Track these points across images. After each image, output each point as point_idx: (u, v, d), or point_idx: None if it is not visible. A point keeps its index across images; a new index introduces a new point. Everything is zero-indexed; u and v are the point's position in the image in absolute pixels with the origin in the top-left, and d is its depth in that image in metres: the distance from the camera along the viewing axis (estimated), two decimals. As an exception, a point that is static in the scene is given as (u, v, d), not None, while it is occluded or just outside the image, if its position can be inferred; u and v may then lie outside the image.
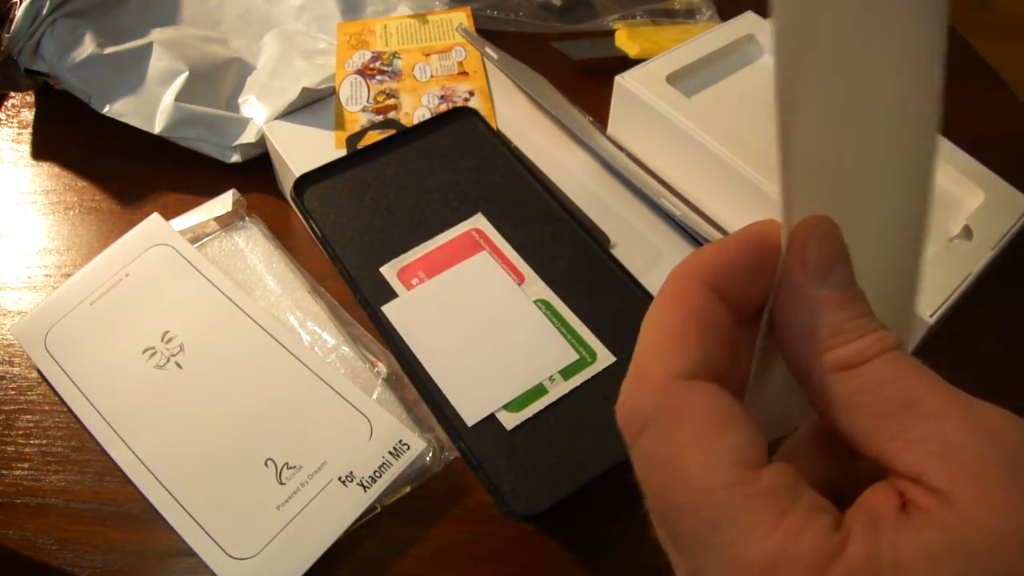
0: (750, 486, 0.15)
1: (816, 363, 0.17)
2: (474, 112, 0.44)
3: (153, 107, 0.48)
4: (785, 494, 0.15)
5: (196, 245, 0.42)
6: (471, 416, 0.33)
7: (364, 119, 0.46)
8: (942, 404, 0.16)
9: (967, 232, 0.40)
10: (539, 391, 0.34)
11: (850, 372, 0.17)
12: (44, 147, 0.51)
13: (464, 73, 0.49)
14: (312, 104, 0.47)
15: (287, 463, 0.35)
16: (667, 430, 0.16)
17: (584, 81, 0.54)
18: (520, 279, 0.37)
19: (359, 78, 0.48)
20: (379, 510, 0.35)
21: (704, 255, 0.18)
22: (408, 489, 0.36)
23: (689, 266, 0.18)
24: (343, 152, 0.44)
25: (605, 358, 0.35)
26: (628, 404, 0.17)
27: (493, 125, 0.45)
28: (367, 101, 0.47)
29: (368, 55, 0.50)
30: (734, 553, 0.15)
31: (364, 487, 0.34)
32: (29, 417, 0.38)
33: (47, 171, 0.50)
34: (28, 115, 0.53)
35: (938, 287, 0.37)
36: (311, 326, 0.40)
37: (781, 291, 0.18)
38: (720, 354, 0.18)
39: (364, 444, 0.35)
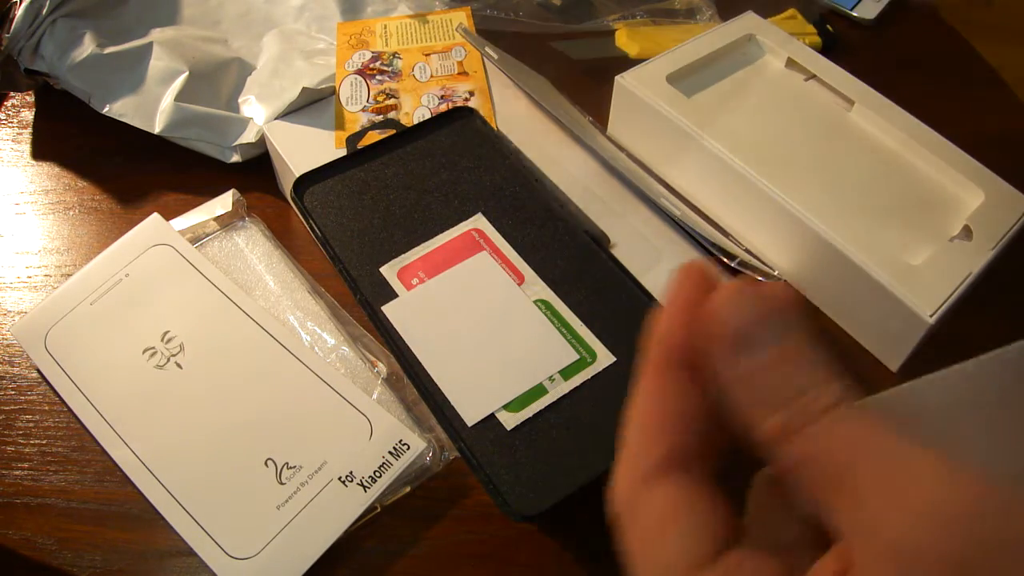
0: None
1: (754, 433, 0.17)
2: (474, 112, 0.44)
3: (153, 107, 0.48)
4: None
5: (196, 245, 0.42)
6: (471, 416, 0.33)
7: (364, 119, 0.46)
8: (875, 479, 0.15)
9: (967, 232, 0.40)
10: (539, 391, 0.34)
11: (787, 441, 0.16)
12: (44, 147, 0.51)
13: (464, 73, 0.49)
14: (312, 104, 0.47)
15: (287, 463, 0.35)
16: (624, 535, 0.18)
17: (584, 81, 0.54)
18: (520, 279, 0.37)
19: (359, 78, 0.48)
20: (379, 510, 0.35)
21: (661, 333, 0.18)
22: (408, 489, 0.36)
23: (656, 348, 0.18)
24: (343, 152, 0.44)
25: (605, 358, 0.35)
26: (612, 506, 0.19)
27: (493, 125, 0.45)
28: (367, 101, 0.47)
29: (368, 55, 0.50)
30: None
31: (364, 487, 0.34)
32: (29, 417, 0.38)
33: (47, 171, 0.50)
34: (28, 115, 0.53)
35: (938, 287, 0.37)
36: (311, 326, 0.40)
37: (709, 361, 0.17)
38: (695, 431, 0.18)
39: (364, 444, 0.35)
